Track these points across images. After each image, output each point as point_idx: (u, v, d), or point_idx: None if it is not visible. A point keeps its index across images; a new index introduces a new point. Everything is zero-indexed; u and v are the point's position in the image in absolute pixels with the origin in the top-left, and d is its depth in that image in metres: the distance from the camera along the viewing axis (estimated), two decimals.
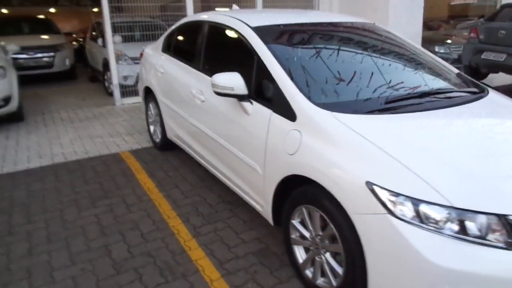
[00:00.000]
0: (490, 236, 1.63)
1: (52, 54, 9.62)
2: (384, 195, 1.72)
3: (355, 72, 2.52)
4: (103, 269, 2.50)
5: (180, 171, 3.95)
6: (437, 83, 2.70)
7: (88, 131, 5.40)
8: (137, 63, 6.24)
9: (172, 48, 3.98)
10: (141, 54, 4.72)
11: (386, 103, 2.31)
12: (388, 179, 1.75)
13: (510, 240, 1.63)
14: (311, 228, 2.20)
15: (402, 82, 2.56)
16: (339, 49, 2.72)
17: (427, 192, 1.68)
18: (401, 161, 1.80)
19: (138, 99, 6.74)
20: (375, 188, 1.75)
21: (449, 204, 1.64)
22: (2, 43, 8.78)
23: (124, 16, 7.56)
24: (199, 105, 3.19)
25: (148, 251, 2.68)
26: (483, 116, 2.33)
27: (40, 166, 4.18)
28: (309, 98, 2.24)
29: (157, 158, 4.32)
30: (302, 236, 2.28)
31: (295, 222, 2.30)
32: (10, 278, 2.44)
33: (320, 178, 1.99)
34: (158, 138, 4.43)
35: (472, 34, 7.53)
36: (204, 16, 3.51)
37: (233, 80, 2.50)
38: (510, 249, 1.62)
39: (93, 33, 9.33)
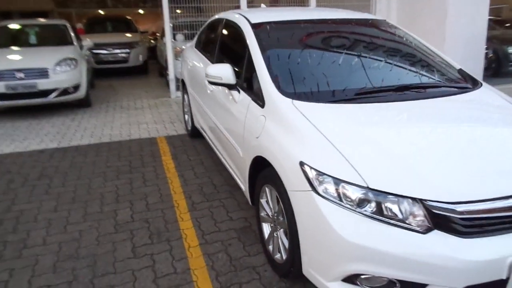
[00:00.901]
0: (407, 219, 1.71)
1: (127, 50, 10.69)
2: (312, 174, 1.88)
3: (331, 66, 2.65)
4: (105, 228, 2.94)
5: (200, 155, 4.32)
6: (423, 78, 2.71)
7: (137, 118, 6.04)
8: None
9: (200, 44, 4.37)
10: (182, 50, 5.19)
11: (356, 94, 2.42)
12: (318, 160, 1.90)
13: (426, 225, 1.69)
14: (271, 206, 2.39)
15: (382, 76, 2.63)
16: (325, 44, 2.86)
17: (348, 173, 1.80)
18: (335, 145, 1.93)
19: None
20: (305, 167, 1.91)
21: (365, 185, 1.75)
22: (88, 39, 10.00)
23: (188, 16, 8.16)
24: (209, 94, 3.52)
25: (147, 218, 3.07)
26: (446, 108, 2.32)
27: (88, 144, 4.83)
28: (279, 87, 2.43)
29: (186, 143, 4.74)
30: (267, 214, 2.48)
31: (263, 201, 2.51)
32: (35, 225, 2.98)
33: (271, 159, 2.19)
34: (189, 126, 4.85)
35: None
36: (222, 14, 3.83)
37: (222, 71, 2.77)
38: (424, 233, 1.68)
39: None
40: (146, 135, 5.14)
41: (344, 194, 1.78)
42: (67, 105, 6.85)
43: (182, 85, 5.04)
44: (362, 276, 1.77)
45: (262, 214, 2.55)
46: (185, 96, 4.92)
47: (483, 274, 1.66)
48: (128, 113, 6.43)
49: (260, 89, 2.51)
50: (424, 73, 2.77)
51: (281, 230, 2.30)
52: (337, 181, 1.80)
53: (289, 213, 2.05)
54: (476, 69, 7.32)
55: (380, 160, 1.85)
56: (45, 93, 6.01)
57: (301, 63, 2.66)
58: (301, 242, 1.99)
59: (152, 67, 11.88)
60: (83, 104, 6.84)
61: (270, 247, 2.46)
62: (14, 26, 7.27)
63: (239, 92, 2.81)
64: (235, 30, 3.31)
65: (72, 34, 7.31)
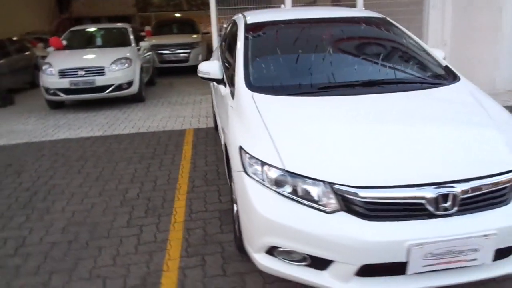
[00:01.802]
0: (319, 201, 1.88)
1: (188, 50, 11.46)
2: (245, 157, 2.12)
3: (303, 62, 2.83)
4: (113, 202, 3.42)
5: (216, 146, 4.68)
6: (396, 74, 2.76)
7: (178, 112, 6.59)
8: None
9: (221, 43, 4.72)
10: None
11: (319, 88, 2.58)
12: (252, 145, 2.13)
13: (334, 207, 1.85)
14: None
15: (353, 72, 2.75)
16: (305, 43, 3.02)
17: (272, 156, 2.00)
18: (270, 133, 2.14)
19: None
20: (242, 151, 2.16)
21: (283, 167, 1.95)
22: (154, 40, 10.91)
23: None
24: (215, 88, 3.86)
25: (150, 196, 3.50)
26: (398, 102, 2.39)
27: (127, 133, 5.46)
28: (248, 81, 2.68)
29: (209, 135, 5.14)
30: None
31: (232, 184, 2.78)
32: (60, 197, 3.57)
33: (228, 144, 2.45)
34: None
35: None
36: (235, 16, 4.14)
37: (210, 67, 3.09)
38: (331, 214, 1.85)
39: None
40: (178, 127, 5.64)
41: (266, 175, 2.00)
42: (123, 100, 7.65)
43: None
44: (279, 249, 1.97)
45: (233, 196, 2.82)
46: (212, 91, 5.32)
47: (381, 255, 1.78)
48: (173, 108, 7.02)
49: (234, 83, 2.79)
50: (399, 69, 2.82)
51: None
52: (262, 163, 2.02)
53: (233, 191, 2.31)
54: None
55: (305, 147, 2.02)
56: (102, 88, 6.82)
57: (275, 60, 2.88)
58: (240, 218, 2.24)
59: None
60: (137, 99, 7.58)
61: (236, 226, 2.72)
62: (83, 30, 8.29)
63: (225, 86, 3.10)
64: (236, 29, 3.60)
65: (131, 37, 8.12)
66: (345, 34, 3.19)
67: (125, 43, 7.91)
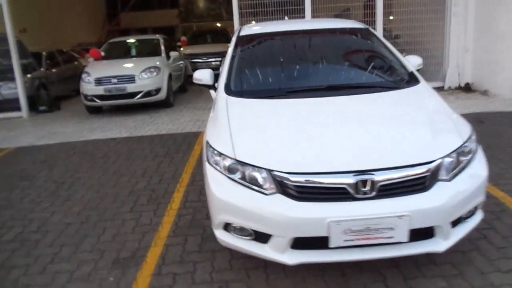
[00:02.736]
0: (262, 185, 2.25)
1: (219, 59, 12.06)
2: (209, 149, 2.53)
3: (278, 70, 3.21)
4: (123, 192, 3.96)
5: None
6: (359, 79, 3.07)
7: (200, 117, 7.13)
8: None
9: None
10: None
11: (287, 92, 2.95)
12: (216, 139, 2.54)
13: (273, 189, 2.21)
14: None
15: (320, 78, 3.11)
16: (285, 52, 3.40)
17: (228, 148, 2.40)
18: (231, 129, 2.54)
19: None
20: (208, 144, 2.57)
21: (234, 157, 2.34)
22: (188, 50, 11.59)
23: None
24: None
25: (154, 188, 4.00)
26: (350, 103, 2.72)
27: (149, 135, 6.06)
28: (227, 86, 3.10)
29: None
30: None
31: None
32: (81, 187, 4.16)
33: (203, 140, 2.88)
34: None
35: None
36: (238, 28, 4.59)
37: (202, 75, 3.55)
38: (269, 195, 2.21)
39: None
40: (195, 129, 6.16)
41: (222, 163, 2.40)
42: (153, 105, 8.32)
43: None
44: (232, 226, 2.36)
45: None
46: None
47: (307, 229, 2.12)
48: (197, 113, 7.58)
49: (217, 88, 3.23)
50: (364, 74, 3.13)
51: None
52: (220, 154, 2.43)
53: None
54: None
55: (255, 141, 2.41)
56: (132, 95, 7.53)
57: (254, 68, 3.28)
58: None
59: None
60: (165, 104, 8.23)
61: None
62: (120, 41, 9.11)
63: (215, 91, 3.54)
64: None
65: (162, 47, 8.81)
66: (322, 43, 3.53)
67: (156, 53, 8.61)
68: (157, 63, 7.99)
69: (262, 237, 2.26)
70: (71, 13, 18.88)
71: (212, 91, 3.59)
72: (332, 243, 2.12)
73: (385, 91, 2.89)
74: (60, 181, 4.38)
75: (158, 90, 7.80)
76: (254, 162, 2.28)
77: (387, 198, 2.14)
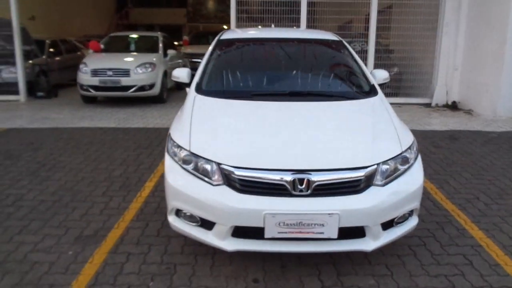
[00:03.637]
0: (212, 177, 2.45)
1: None
2: (170, 141, 2.74)
3: (247, 73, 3.42)
4: (99, 178, 4.17)
5: None
6: (321, 87, 3.29)
7: None
8: None
9: None
10: None
11: (253, 95, 3.16)
12: (176, 133, 2.76)
13: (220, 181, 2.42)
14: None
15: (283, 83, 3.33)
16: (258, 57, 3.62)
17: (185, 141, 2.62)
18: (192, 124, 2.75)
19: None
20: (169, 137, 2.79)
21: (189, 149, 2.55)
22: (189, 49, 11.82)
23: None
24: None
25: (129, 176, 4.22)
26: (306, 108, 2.94)
27: (136, 128, 6.28)
28: (198, 85, 3.32)
29: None
30: None
31: None
32: (61, 170, 4.38)
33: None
34: None
35: None
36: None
37: (180, 73, 3.76)
38: (215, 186, 2.42)
39: None
40: None
41: (179, 155, 2.61)
42: (146, 100, 8.54)
43: None
44: (182, 212, 2.57)
45: None
46: None
47: (245, 219, 2.33)
48: None
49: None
50: (327, 83, 3.34)
51: None
52: (177, 146, 2.64)
53: None
54: None
55: (210, 136, 2.62)
56: (126, 88, 7.76)
57: (227, 70, 3.49)
58: None
59: None
60: (158, 100, 8.45)
61: None
62: (120, 36, 9.35)
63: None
64: None
65: (160, 45, 9.05)
66: (296, 52, 3.75)
67: (153, 49, 8.85)
68: (153, 59, 8.23)
69: (207, 224, 2.47)
70: (81, 4, 19.20)
71: (187, 89, 3.80)
72: (267, 234, 2.32)
73: (343, 100, 3.10)
74: (42, 163, 4.59)
75: (151, 86, 8.03)
76: (205, 155, 2.49)
77: (321, 197, 2.34)
